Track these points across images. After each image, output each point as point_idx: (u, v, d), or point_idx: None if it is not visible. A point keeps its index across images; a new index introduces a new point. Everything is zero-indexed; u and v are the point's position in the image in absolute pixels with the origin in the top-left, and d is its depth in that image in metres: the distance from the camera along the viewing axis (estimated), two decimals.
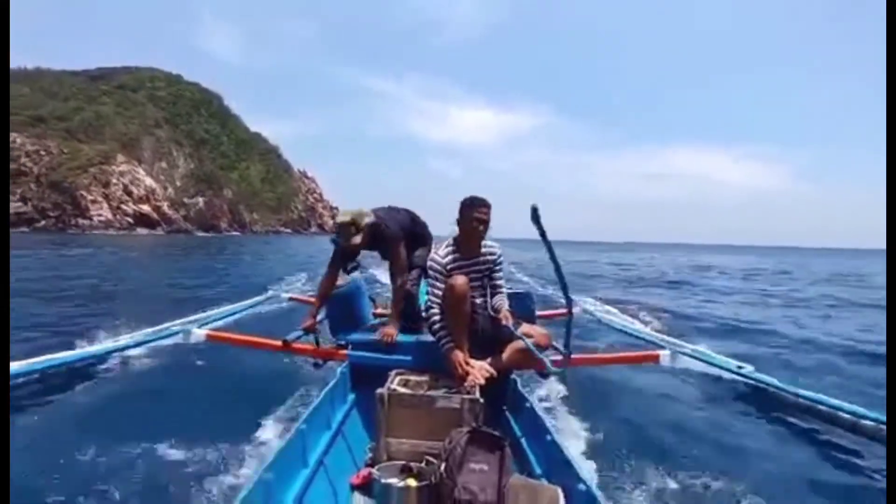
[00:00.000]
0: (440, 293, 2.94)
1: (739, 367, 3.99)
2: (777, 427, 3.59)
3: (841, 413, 3.36)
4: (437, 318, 2.93)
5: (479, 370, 2.76)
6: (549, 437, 2.19)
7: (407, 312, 3.45)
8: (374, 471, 2.24)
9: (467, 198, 3.03)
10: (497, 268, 3.18)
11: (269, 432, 2.96)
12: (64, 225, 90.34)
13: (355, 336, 3.38)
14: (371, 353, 3.17)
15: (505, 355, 2.92)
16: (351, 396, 2.95)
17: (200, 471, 2.49)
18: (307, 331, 3.48)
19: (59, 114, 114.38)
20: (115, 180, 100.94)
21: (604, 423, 3.37)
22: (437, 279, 2.98)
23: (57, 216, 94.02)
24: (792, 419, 3.64)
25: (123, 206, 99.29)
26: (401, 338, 3.25)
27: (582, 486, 1.76)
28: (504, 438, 2.24)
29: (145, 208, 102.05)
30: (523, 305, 3.47)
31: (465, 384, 2.67)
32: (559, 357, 3.12)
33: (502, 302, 3.13)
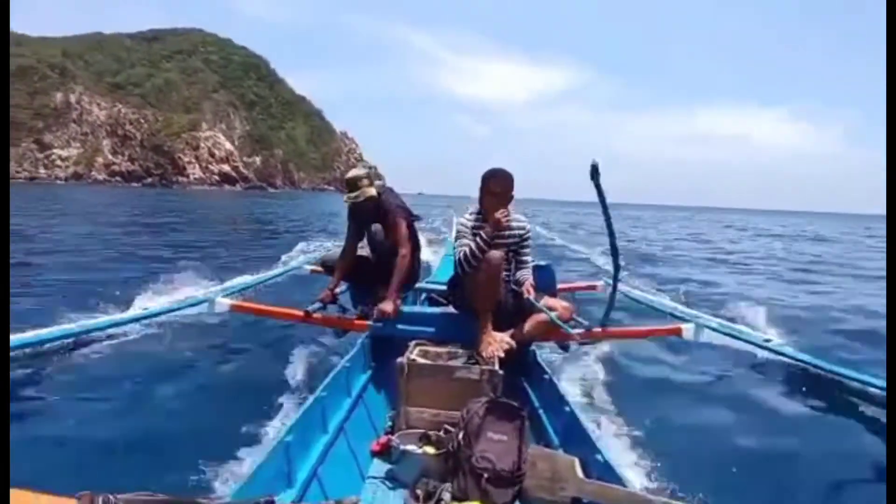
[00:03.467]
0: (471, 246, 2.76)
1: (767, 341, 3.64)
2: (805, 401, 3.32)
3: (871, 388, 3.09)
4: (467, 249, 2.74)
5: (500, 342, 2.62)
6: (567, 408, 2.04)
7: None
8: (393, 438, 2.18)
9: (486, 172, 2.83)
10: (525, 243, 2.97)
11: (291, 400, 2.85)
12: (167, 181, 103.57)
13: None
14: (392, 323, 3.01)
15: (526, 327, 2.77)
16: (371, 367, 2.85)
17: (222, 437, 2.40)
18: (325, 303, 3.32)
19: (134, 80, 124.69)
20: (202, 144, 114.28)
21: (624, 397, 3.20)
22: (465, 236, 2.82)
23: (160, 174, 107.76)
24: (821, 393, 3.35)
25: (210, 167, 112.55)
26: (420, 309, 3.09)
27: (599, 457, 1.66)
28: (522, 409, 2.12)
29: (226, 168, 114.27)
30: (545, 278, 3.24)
31: (485, 355, 2.52)
32: (581, 330, 2.86)
33: (526, 275, 2.94)
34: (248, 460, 2.03)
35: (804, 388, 3.39)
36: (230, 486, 1.34)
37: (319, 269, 5.77)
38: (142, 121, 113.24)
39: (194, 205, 31.49)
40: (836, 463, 2.56)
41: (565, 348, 3.19)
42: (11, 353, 2.89)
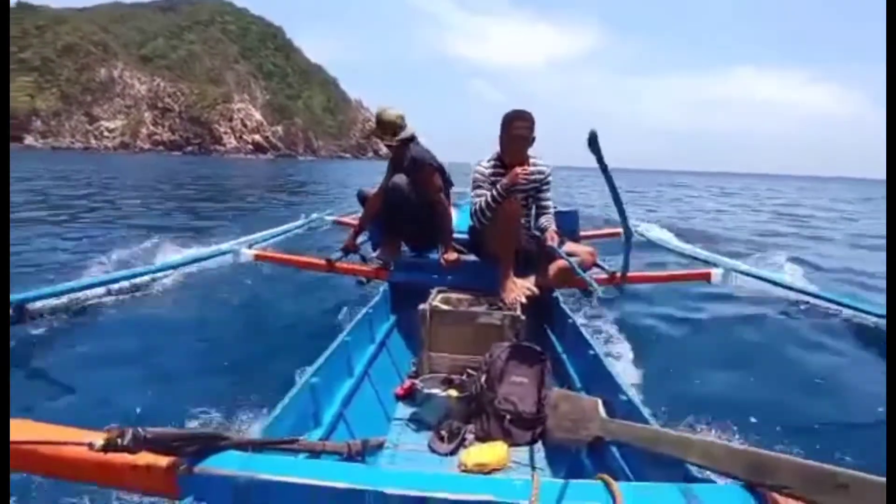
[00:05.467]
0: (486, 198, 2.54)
1: (797, 286, 3.35)
2: (839, 343, 3.08)
3: None
4: (482, 200, 2.52)
5: (521, 288, 2.44)
6: (590, 352, 1.88)
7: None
8: (417, 382, 2.08)
9: (508, 112, 2.54)
10: (545, 187, 2.71)
11: (316, 346, 2.69)
12: (206, 151, 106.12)
13: (400, 255, 3.05)
14: (413, 272, 2.86)
15: (548, 273, 2.55)
16: (393, 314, 2.69)
17: (250, 380, 2.31)
18: (346, 251, 3.16)
19: (160, 52, 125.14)
20: (235, 116, 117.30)
21: (649, 342, 2.99)
22: (480, 186, 2.58)
23: (199, 143, 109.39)
24: (858, 334, 3.10)
25: (244, 136, 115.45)
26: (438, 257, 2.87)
27: (623, 397, 1.53)
28: (544, 353, 2.00)
29: (257, 137, 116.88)
30: (568, 224, 2.99)
31: (508, 301, 2.34)
32: (605, 276, 2.64)
33: (549, 221, 2.70)
34: (276, 401, 1.95)
35: (840, 332, 3.15)
36: (259, 424, 1.24)
37: (342, 219, 5.63)
38: (178, 94, 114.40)
39: (232, 171, 31.88)
40: (871, 407, 2.33)
41: (590, 295, 3.00)
42: (46, 302, 2.82)
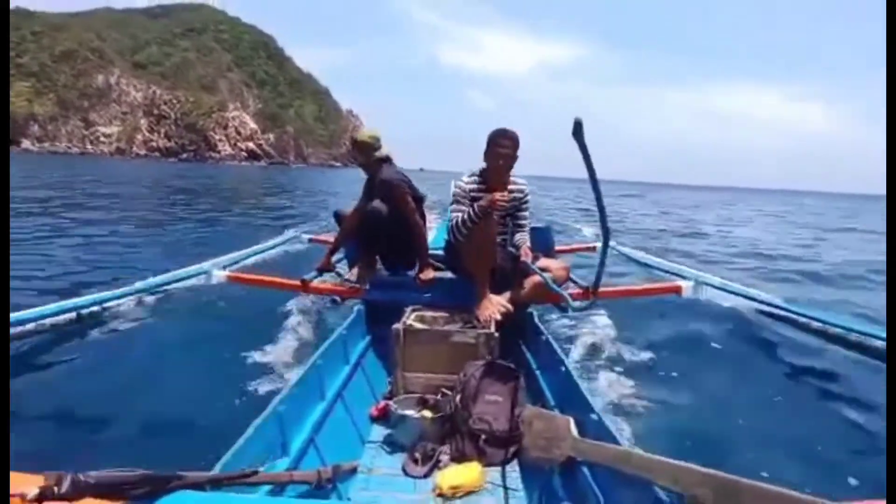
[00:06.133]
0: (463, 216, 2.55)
1: (766, 299, 3.36)
2: (804, 357, 3.08)
3: (875, 342, 2.81)
4: (461, 217, 2.50)
5: (496, 305, 2.42)
6: (563, 369, 1.87)
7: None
8: (391, 403, 2.02)
9: (493, 131, 2.55)
10: (523, 206, 2.74)
11: (289, 370, 2.60)
12: (201, 158, 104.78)
13: (377, 273, 3.00)
14: (388, 290, 2.82)
15: (522, 290, 2.57)
16: (369, 333, 2.66)
17: (217, 409, 2.20)
18: (321, 271, 3.10)
19: (154, 59, 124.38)
20: (230, 123, 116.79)
21: (622, 358, 2.98)
22: (459, 202, 2.58)
23: (194, 150, 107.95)
24: (825, 347, 3.11)
25: (238, 144, 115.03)
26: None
27: (594, 416, 1.52)
28: (517, 370, 2.00)
29: (251, 145, 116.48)
30: (542, 240, 3.00)
31: (482, 319, 2.35)
32: (579, 290, 2.65)
33: (524, 239, 2.73)
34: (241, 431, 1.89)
35: (808, 344, 3.15)
36: (225, 457, 1.19)
37: (319, 238, 5.43)
38: (174, 101, 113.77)
39: (227, 177, 31.64)
40: (844, 422, 2.35)
41: (564, 310, 3.00)
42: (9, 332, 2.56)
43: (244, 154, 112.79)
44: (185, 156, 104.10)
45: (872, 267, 6.92)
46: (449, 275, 2.85)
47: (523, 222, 2.75)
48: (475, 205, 2.44)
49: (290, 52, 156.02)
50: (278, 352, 2.81)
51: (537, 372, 2.20)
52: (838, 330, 3.03)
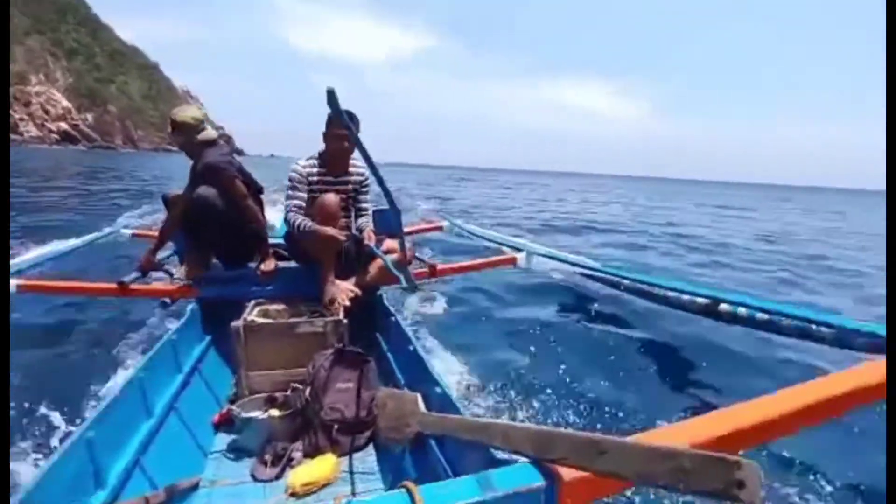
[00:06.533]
0: (299, 201, 2.46)
1: (586, 263, 3.72)
2: (614, 308, 3.51)
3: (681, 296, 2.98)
4: (299, 217, 2.43)
5: (344, 291, 2.36)
6: (410, 348, 1.87)
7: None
8: (233, 407, 1.84)
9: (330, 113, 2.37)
10: (364, 189, 2.68)
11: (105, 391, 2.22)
12: None
13: (210, 269, 2.66)
14: (226, 286, 2.55)
15: (369, 273, 2.54)
16: (206, 335, 2.40)
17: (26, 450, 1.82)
18: (144, 270, 2.63)
19: None
20: (33, 100, 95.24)
21: (464, 330, 3.13)
22: (296, 188, 2.47)
23: None
24: (627, 300, 3.48)
25: (46, 124, 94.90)
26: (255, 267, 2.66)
27: (438, 390, 1.57)
28: (366, 354, 1.97)
29: (63, 126, 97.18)
30: (388, 221, 2.94)
31: (330, 306, 2.28)
32: (425, 269, 2.70)
33: (367, 223, 2.68)
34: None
35: (620, 298, 3.47)
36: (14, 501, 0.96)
37: (144, 233, 4.61)
38: None
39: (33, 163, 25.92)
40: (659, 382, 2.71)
41: (413, 289, 3.04)
42: None
43: (55, 136, 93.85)
44: None
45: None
46: (292, 264, 2.69)
47: (365, 205, 2.70)
48: (317, 230, 2.33)
49: (108, 20, 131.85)
50: (95, 371, 2.40)
51: (389, 354, 2.20)
52: (644, 286, 3.21)
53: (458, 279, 3.69)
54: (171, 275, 2.67)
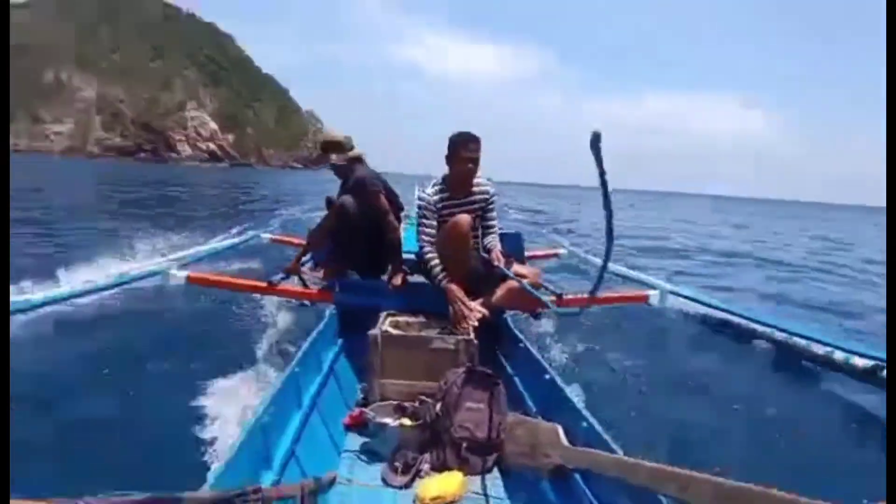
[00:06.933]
0: (431, 231, 2.50)
1: (732, 309, 3.39)
2: (762, 365, 3.12)
3: (835, 352, 2.75)
4: (431, 255, 2.48)
5: (473, 311, 2.38)
6: (546, 377, 1.84)
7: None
8: (367, 411, 1.95)
9: (457, 134, 2.49)
10: (490, 206, 2.68)
11: (259, 377, 2.48)
12: (160, 157, 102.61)
13: (345, 276, 2.85)
14: (359, 294, 2.69)
15: (497, 295, 2.51)
16: (339, 339, 2.54)
17: (191, 419, 2.06)
18: (289, 273, 2.90)
19: (103, 54, 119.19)
20: (189, 124, 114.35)
21: (597, 365, 2.97)
22: (426, 217, 2.52)
23: (152, 150, 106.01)
24: (772, 353, 3.14)
25: (199, 144, 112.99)
26: (387, 279, 2.80)
27: (584, 424, 1.48)
28: (496, 376, 1.93)
29: (212, 146, 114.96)
30: (513, 245, 2.97)
31: (459, 325, 2.29)
32: (551, 297, 2.63)
33: (495, 242, 2.67)
34: (223, 441, 1.77)
35: (769, 353, 3.15)
36: (214, 470, 1.10)
37: (280, 238, 5.28)
38: (129, 99, 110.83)
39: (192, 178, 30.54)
40: (810, 431, 2.39)
41: (537, 316, 2.99)
42: None
43: (205, 155, 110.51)
44: (142, 155, 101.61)
45: None
46: (420, 279, 2.76)
47: (492, 223, 2.68)
48: (442, 284, 2.40)
49: (249, 52, 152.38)
50: (248, 357, 2.68)
51: (516, 378, 2.16)
52: (801, 341, 2.97)
53: (587, 312, 3.53)
54: (304, 282, 2.90)
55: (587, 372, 2.81)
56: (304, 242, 3.23)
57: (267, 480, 1.32)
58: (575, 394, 2.16)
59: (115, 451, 1.87)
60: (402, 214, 3.02)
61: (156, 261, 3.83)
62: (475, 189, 2.58)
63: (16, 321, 2.51)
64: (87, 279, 3.51)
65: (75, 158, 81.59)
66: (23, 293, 2.95)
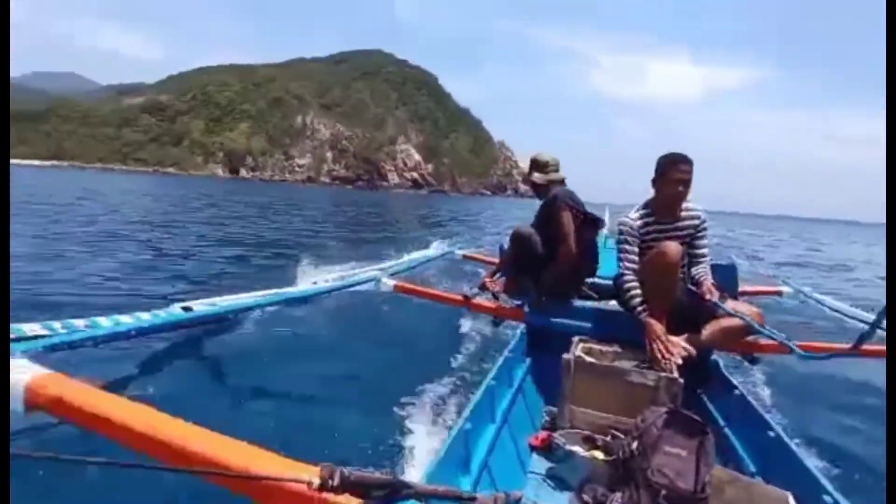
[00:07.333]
0: (633, 257, 2.34)
1: None
2: None
3: None
4: (632, 284, 2.30)
5: (677, 347, 2.15)
6: (770, 433, 1.58)
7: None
8: (555, 436, 1.92)
9: (667, 155, 2.30)
10: (700, 234, 2.41)
11: (452, 383, 2.67)
12: (372, 185, 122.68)
13: (533, 297, 2.83)
14: (550, 316, 2.65)
15: (706, 333, 2.23)
16: (527, 358, 2.55)
17: (393, 413, 2.30)
18: (483, 288, 3.04)
19: (336, 101, 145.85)
20: (398, 156, 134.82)
21: (829, 426, 2.41)
22: (628, 242, 2.36)
23: (367, 179, 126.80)
24: None
25: (404, 174, 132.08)
26: (581, 303, 2.73)
27: (828, 498, 1.24)
28: (705, 424, 1.71)
29: (415, 175, 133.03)
30: (725, 278, 2.60)
31: (662, 361, 2.08)
32: (773, 342, 2.25)
33: (705, 273, 2.39)
34: (425, 441, 1.96)
35: None
36: (425, 467, 1.25)
37: (472, 255, 5.69)
38: (354, 137, 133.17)
39: (397, 203, 35.18)
40: None
41: (753, 361, 2.58)
42: (195, 324, 2.83)
43: (409, 183, 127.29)
44: (359, 184, 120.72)
45: None
46: (613, 304, 2.64)
47: (702, 252, 2.42)
48: (641, 317, 2.23)
49: (449, 88, 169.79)
50: (443, 364, 2.93)
51: (727, 429, 1.91)
52: None
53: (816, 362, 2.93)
54: (497, 297, 3.02)
55: (818, 432, 2.33)
56: (494, 260, 3.39)
57: (465, 486, 1.40)
58: (808, 457, 1.81)
59: (331, 434, 2.15)
60: (602, 234, 2.93)
61: (370, 268, 4.43)
62: (684, 214, 2.36)
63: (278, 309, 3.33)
64: (313, 280, 4.28)
65: (310, 186, 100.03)
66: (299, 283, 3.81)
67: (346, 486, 0.66)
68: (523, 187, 3.04)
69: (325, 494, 0.68)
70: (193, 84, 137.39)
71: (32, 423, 1.46)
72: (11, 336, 1.71)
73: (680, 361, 2.08)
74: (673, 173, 2.25)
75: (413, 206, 32.54)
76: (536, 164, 2.89)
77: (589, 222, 2.76)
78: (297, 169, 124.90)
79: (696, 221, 2.39)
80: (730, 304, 2.24)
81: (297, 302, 3.48)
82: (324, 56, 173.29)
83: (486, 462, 1.59)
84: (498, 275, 3.33)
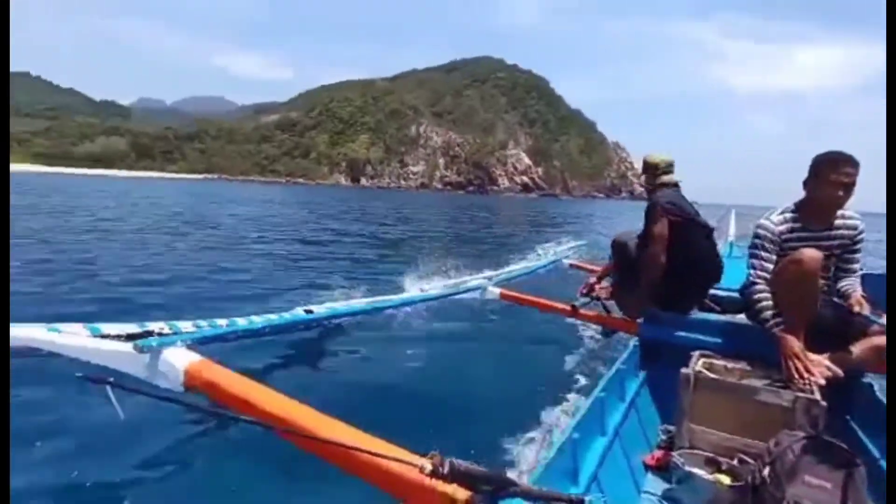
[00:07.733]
0: (767, 265, 2.08)
1: None
2: None
3: None
4: (763, 295, 2.06)
5: (818, 366, 1.89)
6: None
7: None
8: (674, 455, 1.78)
9: (826, 154, 2.01)
10: (855, 246, 2.10)
11: (560, 393, 2.64)
12: (483, 190, 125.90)
13: (649, 308, 2.64)
14: (665, 328, 2.46)
15: (856, 351, 1.93)
16: (641, 372, 2.39)
17: (503, 414, 2.36)
18: (589, 293, 2.94)
19: (448, 108, 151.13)
20: (508, 161, 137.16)
21: None
22: (764, 249, 2.10)
23: (478, 184, 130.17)
24: None
25: (514, 178, 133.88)
26: (702, 316, 2.50)
27: None
28: (855, 455, 1.50)
29: (525, 179, 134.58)
30: (876, 290, 2.19)
31: (800, 381, 1.84)
32: None
33: (853, 286, 2.07)
34: (526, 449, 1.97)
35: None
36: (531, 473, 1.27)
37: (579, 265, 5.52)
38: (465, 143, 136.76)
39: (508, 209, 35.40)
40: None
41: None
42: (316, 325, 3.06)
43: (519, 187, 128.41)
44: (470, 189, 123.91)
45: None
46: (741, 318, 2.38)
47: (854, 265, 2.11)
48: (774, 331, 1.98)
49: (561, 90, 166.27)
50: (551, 372, 2.91)
51: (882, 462, 1.64)
52: None
53: None
54: (605, 307, 2.91)
55: None
56: (600, 269, 3.29)
57: (573, 492, 1.38)
58: None
59: (441, 428, 2.27)
60: (728, 242, 2.69)
61: (476, 277, 4.49)
62: (838, 222, 2.06)
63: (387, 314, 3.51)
64: (421, 287, 4.40)
65: (423, 192, 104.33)
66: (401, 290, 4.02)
67: (455, 476, 0.70)
68: (639, 189, 2.89)
69: (434, 481, 0.72)
70: (318, 101, 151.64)
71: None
72: (170, 332, 1.97)
73: (823, 382, 1.82)
74: (832, 175, 1.96)
75: (523, 210, 32.46)
76: (646, 167, 2.74)
77: (696, 228, 2.55)
78: (411, 176, 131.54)
79: (853, 232, 2.08)
80: (885, 320, 1.92)
81: (406, 306, 3.65)
82: (435, 66, 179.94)
83: (595, 475, 1.55)
84: (605, 281, 3.20)
